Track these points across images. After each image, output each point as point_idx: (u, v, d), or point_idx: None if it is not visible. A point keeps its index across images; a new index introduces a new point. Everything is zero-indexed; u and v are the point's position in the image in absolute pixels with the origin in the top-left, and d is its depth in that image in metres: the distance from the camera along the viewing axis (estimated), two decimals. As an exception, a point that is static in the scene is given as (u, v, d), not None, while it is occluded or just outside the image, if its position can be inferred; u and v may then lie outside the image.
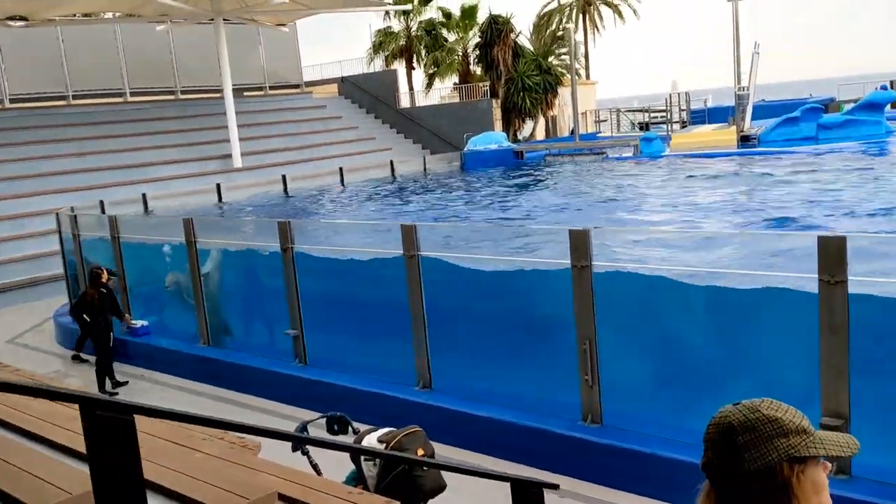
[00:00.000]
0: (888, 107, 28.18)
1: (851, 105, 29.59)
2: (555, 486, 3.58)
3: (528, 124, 44.34)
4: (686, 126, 37.59)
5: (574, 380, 7.54)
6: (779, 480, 1.61)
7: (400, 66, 47.89)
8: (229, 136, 30.54)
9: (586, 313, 7.34)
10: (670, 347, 7.86)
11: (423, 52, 47.64)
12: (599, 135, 40.10)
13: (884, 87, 31.49)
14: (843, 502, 5.64)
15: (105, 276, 11.35)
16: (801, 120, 27.68)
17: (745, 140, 27.95)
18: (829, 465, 1.68)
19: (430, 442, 5.12)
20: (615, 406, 7.45)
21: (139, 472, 2.24)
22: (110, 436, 2.18)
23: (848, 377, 5.87)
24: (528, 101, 41.73)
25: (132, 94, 33.94)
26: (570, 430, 7.37)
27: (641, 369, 7.86)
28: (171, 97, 35.37)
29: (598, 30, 57.46)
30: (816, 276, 5.92)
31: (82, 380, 11.58)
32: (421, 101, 45.50)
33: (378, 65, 48.24)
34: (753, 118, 29.83)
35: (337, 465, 5.17)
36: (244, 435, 5.05)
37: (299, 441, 4.74)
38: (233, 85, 31.45)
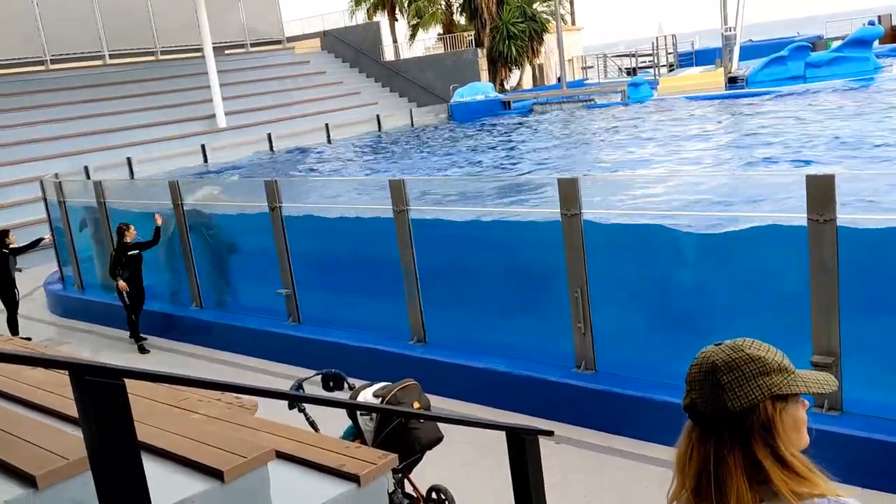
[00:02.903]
0: (876, 42, 27.97)
1: (839, 42, 29.32)
2: (549, 433, 3.61)
3: (515, 73, 43.92)
4: (673, 69, 37.27)
5: (567, 328, 7.57)
6: (762, 418, 1.62)
7: (382, 18, 47.24)
8: (212, 95, 30.16)
9: (577, 262, 7.35)
10: (661, 292, 7.89)
11: (406, 3, 46.93)
12: (587, 81, 39.76)
13: (871, 23, 31.19)
14: (834, 437, 5.72)
15: (132, 231, 10.88)
16: (789, 59, 27.48)
17: (732, 81, 27.75)
18: (808, 402, 1.69)
19: (426, 395, 5.16)
20: (608, 353, 7.50)
21: (132, 436, 2.23)
22: (101, 401, 2.18)
23: (838, 315, 5.91)
24: (513, 49, 41.29)
25: (111, 56, 33.40)
26: (565, 378, 7.43)
27: (633, 315, 7.90)
28: (152, 58, 34.84)
29: (582, -26, 56.62)
30: (805, 215, 5.92)
31: (79, 346, 11.59)
32: (405, 53, 44.96)
33: (360, 17, 47.58)
34: (741, 59, 29.56)
35: (334, 422, 5.22)
36: (241, 395, 5.10)
37: (295, 399, 4.76)
38: (213, 43, 30.97)
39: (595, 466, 6.61)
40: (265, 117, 31.78)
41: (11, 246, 11.72)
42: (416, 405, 4.82)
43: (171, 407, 4.61)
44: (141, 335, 11.19)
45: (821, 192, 5.81)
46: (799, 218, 6.08)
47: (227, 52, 36.92)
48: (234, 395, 5.06)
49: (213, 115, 30.28)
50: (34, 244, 12.57)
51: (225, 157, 25.03)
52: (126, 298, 10.91)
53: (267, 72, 36.53)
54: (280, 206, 9.92)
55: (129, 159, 21.37)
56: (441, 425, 4.98)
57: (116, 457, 2.21)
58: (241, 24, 38.61)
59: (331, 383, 5.27)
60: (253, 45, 39.32)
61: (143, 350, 11.02)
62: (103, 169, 19.56)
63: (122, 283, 10.76)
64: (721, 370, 1.65)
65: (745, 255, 7.39)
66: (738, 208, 8.87)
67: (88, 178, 16.58)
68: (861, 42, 26.65)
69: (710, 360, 1.68)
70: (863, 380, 6.17)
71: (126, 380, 2.27)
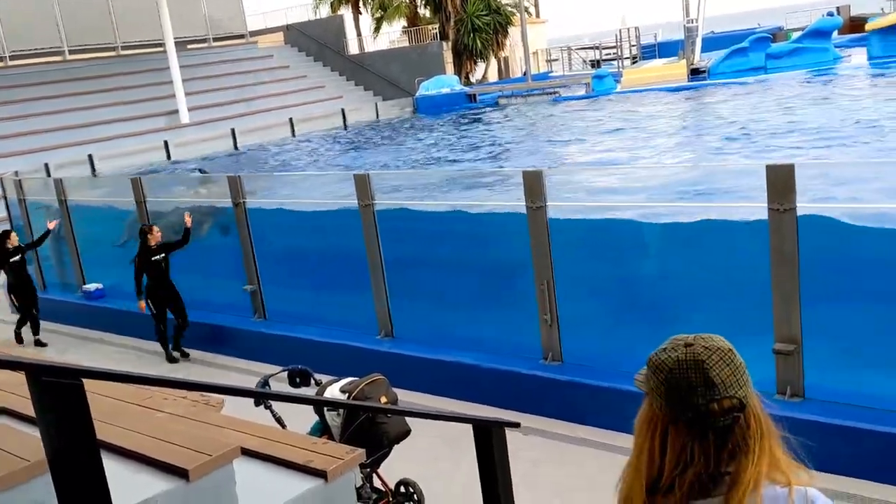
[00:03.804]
0: (835, 33, 28.39)
1: (799, 33, 29.73)
2: (516, 425, 3.63)
3: (480, 66, 43.92)
4: (637, 61, 37.55)
5: (534, 320, 7.61)
6: (752, 410, 1.64)
7: (346, 11, 46.91)
8: (174, 91, 29.80)
9: (543, 254, 7.39)
10: (626, 283, 7.96)
11: (370, -4, 46.73)
12: (551, 74, 39.91)
13: (830, 14, 31.64)
14: (797, 423, 5.80)
15: (155, 233, 9.82)
16: (750, 50, 27.79)
17: (695, 73, 28.02)
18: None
19: (394, 389, 5.16)
20: (575, 344, 7.55)
21: (92, 437, 2.20)
22: (59, 401, 2.14)
23: (799, 303, 6.00)
24: (478, 42, 41.27)
25: (71, 52, 32.85)
26: (532, 370, 7.47)
27: (599, 306, 7.96)
28: (112, 53, 34.33)
29: (545, -33, 56.74)
30: (766, 205, 6.00)
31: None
32: (370, 46, 44.76)
33: (324, 11, 47.23)
34: (703, 50, 29.86)
35: (301, 417, 5.19)
36: (206, 393, 5.05)
37: (261, 396, 4.73)
38: (175, 38, 30.58)
39: (562, 457, 6.66)
40: (229, 112, 31.47)
41: (13, 245, 11.11)
42: (384, 400, 4.82)
43: (135, 406, 4.56)
44: (182, 350, 10.16)
45: (781, 181, 5.89)
46: (759, 207, 6.16)
47: (189, 46, 36.51)
48: (200, 392, 5.02)
49: (176, 111, 29.94)
50: (43, 238, 11.92)
51: (188, 153, 24.75)
52: (152, 308, 9.89)
53: (230, 66, 36.19)
54: (244, 202, 9.84)
55: (90, 156, 21.04)
56: (409, 419, 4.99)
57: (76, 458, 2.18)
58: (203, 18, 38.18)
59: (297, 379, 5.25)
60: (215, 39, 38.92)
61: (174, 360, 10.06)
62: (64, 166, 19.23)
63: (141, 305, 9.87)
64: (710, 367, 1.63)
65: (707, 245, 7.48)
66: (702, 198, 8.98)
67: (49, 175, 16.30)
68: (820, 33, 27.03)
69: (686, 352, 1.65)
70: (823, 366, 6.28)
71: (87, 380, 2.24)
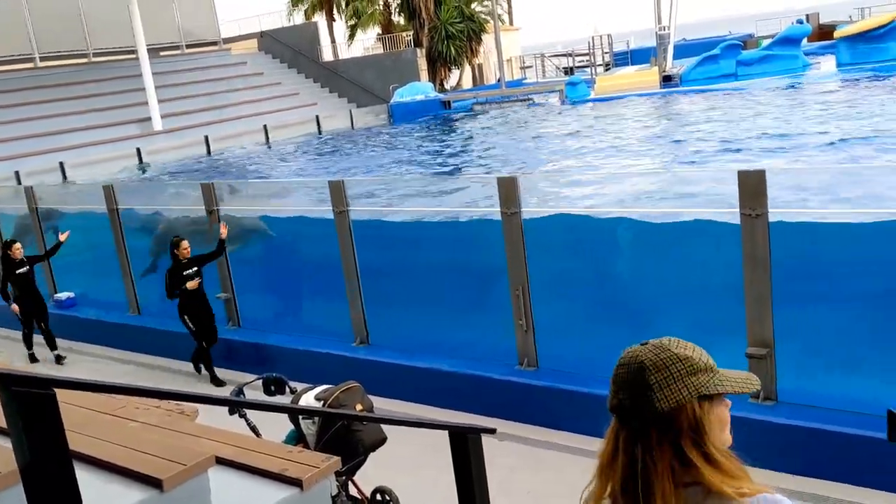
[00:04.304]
0: (804, 40, 28.80)
1: (769, 40, 30.12)
2: (492, 431, 3.63)
3: (455, 73, 44.06)
4: (610, 68, 37.84)
5: (510, 326, 7.63)
6: (690, 418, 1.61)
7: (320, 18, 46.88)
8: (147, 98, 29.58)
9: (518, 260, 7.41)
10: (601, 287, 8.01)
11: (344, 3, 46.67)
12: (525, 81, 40.11)
13: (800, 21, 32.10)
14: (770, 426, 5.88)
15: (185, 246, 9.03)
16: (721, 57, 28.13)
17: (667, 80, 28.32)
18: (730, 402, 1.69)
19: (369, 396, 5.14)
20: (551, 349, 7.57)
21: (64, 447, 2.18)
22: (30, 411, 2.11)
23: (771, 307, 6.06)
24: (452, 49, 41.41)
25: (42, 58, 32.51)
26: (508, 375, 7.48)
27: (574, 311, 8.00)
28: (84, 60, 34.01)
29: (519, -26, 57.02)
30: (738, 210, 6.06)
31: (10, 356, 11.24)
32: (344, 53, 44.76)
33: (298, 18, 47.15)
34: (675, 57, 30.17)
35: (276, 426, 5.16)
36: (181, 402, 5.00)
37: (235, 405, 4.69)
38: (147, 45, 30.37)
39: (539, 463, 6.67)
40: (202, 119, 31.30)
41: (18, 257, 10.37)
42: (359, 407, 4.80)
43: (107, 416, 4.50)
44: (213, 373, 9.29)
45: (752, 186, 5.95)
46: (731, 212, 6.23)
47: (161, 53, 36.28)
48: (174, 401, 4.97)
49: (149, 118, 29.72)
50: (54, 250, 10.91)
51: (161, 160, 24.56)
52: (191, 325, 9.21)
53: (203, 73, 36.00)
54: (217, 210, 9.78)
55: (61, 163, 20.84)
56: (385, 426, 4.97)
57: (48, 468, 2.15)
58: (175, 25, 37.96)
59: (272, 387, 5.22)
60: (188, 46, 38.70)
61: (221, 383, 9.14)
62: (35, 174, 19.03)
63: (188, 323, 9.17)
64: (649, 370, 1.63)
65: (682, 250, 7.54)
66: (675, 203, 9.06)
67: (19, 183, 16.10)
68: (790, 40, 27.43)
69: (637, 360, 1.65)
70: (796, 370, 6.35)
71: (59, 389, 2.21)
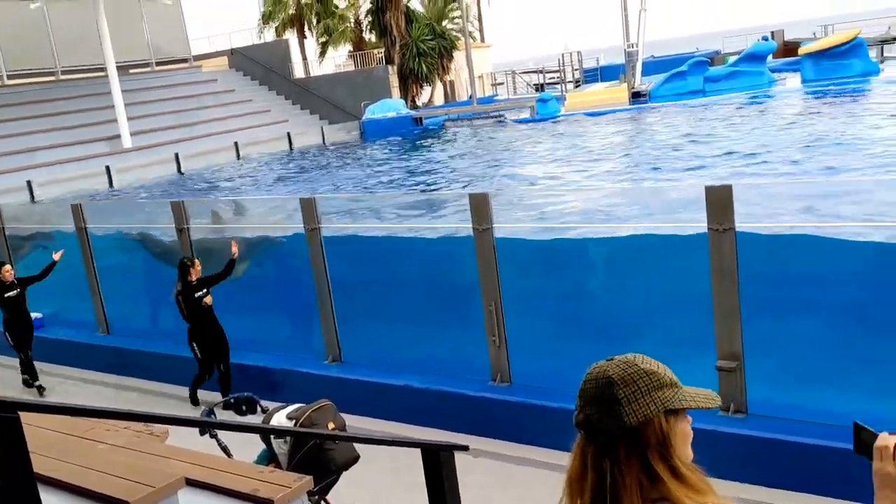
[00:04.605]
0: (770, 57, 29.29)
1: (735, 57, 30.59)
2: (464, 448, 3.63)
3: (426, 90, 44.23)
4: (580, 85, 38.22)
5: (483, 342, 7.63)
6: (657, 433, 1.63)
7: (292, 36, 46.91)
8: (116, 116, 29.36)
9: (490, 276, 7.43)
10: (574, 303, 8.05)
11: (315, 21, 46.73)
12: (497, 98, 40.37)
13: (765, 39, 32.66)
14: (740, 439, 5.93)
15: (197, 267, 8.66)
16: (689, 74, 28.52)
17: (636, 96, 28.65)
18: (691, 418, 1.71)
19: (342, 414, 5.12)
20: (524, 364, 7.58)
21: (29, 471, 2.15)
22: (-6, 437, 2.09)
23: (740, 321, 6.13)
24: (424, 66, 41.58)
25: (10, 76, 32.17)
26: (481, 391, 7.48)
27: (547, 326, 8.03)
28: (52, 78, 33.70)
29: (489, -8, 57.39)
30: (706, 225, 6.14)
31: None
32: (315, 70, 44.77)
33: (269, 35, 47.12)
34: (644, 74, 30.56)
35: (248, 445, 5.11)
36: (150, 423, 4.95)
37: (206, 426, 4.65)
38: (116, 62, 30.17)
39: (513, 478, 6.66)
40: (172, 137, 31.12)
41: (8, 280, 9.84)
42: (331, 426, 4.78)
43: (76, 438, 4.44)
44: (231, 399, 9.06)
45: (720, 202, 6.03)
46: (699, 227, 6.30)
47: (131, 71, 36.07)
48: (144, 423, 4.91)
49: (118, 136, 29.48)
50: (47, 271, 10.21)
51: (131, 178, 24.37)
52: (199, 354, 8.77)
53: (173, 90, 35.81)
54: (188, 228, 9.71)
55: (28, 182, 20.58)
56: (357, 445, 4.95)
57: (13, 493, 2.13)
58: (145, 43, 37.76)
59: (243, 407, 5.18)
60: (158, 63, 38.51)
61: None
62: (3, 193, 18.78)
63: (195, 351, 8.73)
64: (618, 384, 1.65)
65: (653, 265, 7.61)
66: (646, 219, 9.15)
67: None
68: (756, 57, 27.88)
69: (606, 375, 1.67)
70: (765, 382, 6.42)
71: (25, 413, 2.19)
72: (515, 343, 7.58)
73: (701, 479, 1.66)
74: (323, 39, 46.34)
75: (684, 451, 1.68)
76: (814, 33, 35.04)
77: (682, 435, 1.68)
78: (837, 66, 25.47)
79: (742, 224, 6.12)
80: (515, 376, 7.55)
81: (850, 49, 25.69)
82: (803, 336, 6.68)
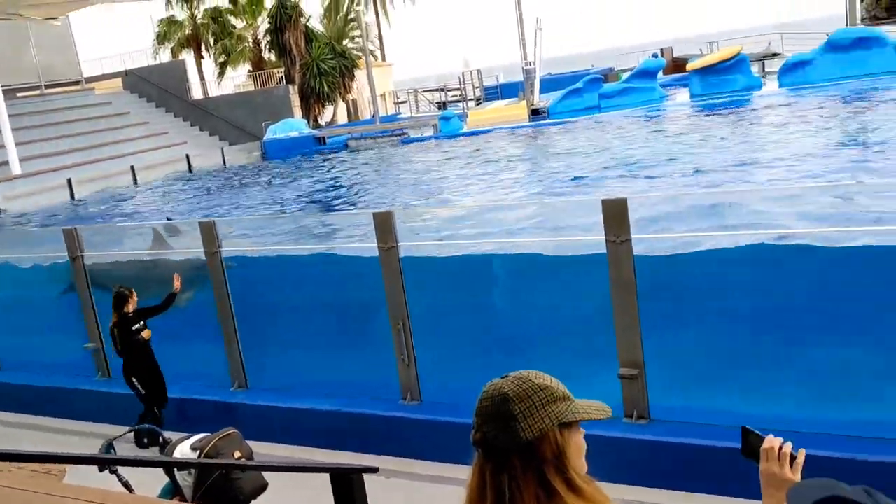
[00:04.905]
0: (660, 73, 30.40)
1: (628, 74, 31.63)
2: (374, 470, 3.60)
3: (329, 109, 44.05)
4: (481, 102, 38.76)
5: (392, 361, 7.61)
6: (553, 446, 1.66)
7: (188, 56, 46.02)
8: (3, 141, 28.06)
9: (396, 294, 7.42)
10: (482, 319, 8.13)
11: (212, 41, 45.96)
12: (399, 116, 40.53)
13: (655, 56, 33.92)
14: (644, 444, 6.10)
15: (134, 298, 8.11)
16: (584, 90, 29.32)
17: (535, 113, 29.26)
18: (584, 430, 1.75)
19: (248, 442, 5.00)
20: (434, 382, 7.60)
21: None
22: None
23: (639, 330, 6.31)
24: (325, 85, 41.42)
25: None
26: (391, 411, 7.45)
27: (456, 342, 8.08)
28: (-69, 102, 31.98)
29: (387, 13, 57.75)
30: (604, 237, 6.30)
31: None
32: (214, 91, 44.00)
33: (165, 56, 46.07)
34: (542, 91, 31.24)
35: (151, 480, 4.94)
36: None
37: (105, 462, 4.47)
38: (3, 86, 28.88)
39: (426, 497, 6.65)
40: (65, 162, 29.96)
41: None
42: (238, 454, 4.65)
43: (-39, 483, 4.20)
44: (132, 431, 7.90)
45: (616, 214, 6.21)
46: (597, 240, 6.47)
47: (19, 94, 34.57)
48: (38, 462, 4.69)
49: (6, 162, 28.16)
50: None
51: (20, 206, 23.31)
52: (140, 388, 8.15)
53: (65, 114, 34.53)
54: (82, 256, 9.35)
55: None
56: (266, 472, 4.84)
57: None
58: (33, 65, 36.30)
59: (145, 439, 5.02)
60: (48, 86, 37.11)
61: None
62: None
63: (136, 387, 8.10)
64: (513, 400, 1.67)
65: (556, 278, 7.77)
66: (547, 234, 9.34)
67: None
68: (647, 73, 28.90)
69: (501, 392, 1.70)
70: (666, 388, 6.62)
71: None
72: (425, 361, 7.59)
73: (597, 490, 1.70)
74: (221, 59, 45.61)
75: (579, 463, 1.71)
76: (700, 50, 36.50)
77: (577, 447, 1.71)
78: (723, 81, 26.66)
79: (637, 236, 6.31)
80: (426, 394, 7.56)
81: (734, 65, 26.94)
82: (699, 343, 6.93)
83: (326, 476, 3.84)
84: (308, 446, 7.58)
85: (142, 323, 8.13)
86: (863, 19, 33.10)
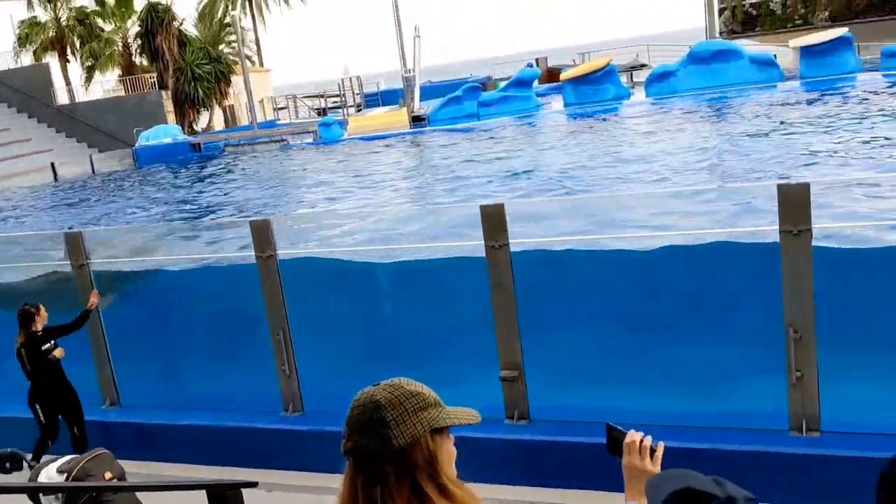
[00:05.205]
0: (536, 82, 31.14)
1: (505, 83, 32.24)
2: (252, 484, 3.53)
3: (204, 115, 42.90)
4: (361, 109, 38.64)
5: (274, 372, 7.48)
6: (425, 452, 1.68)
7: (53, 59, 43.73)
8: None
9: (276, 303, 7.30)
10: (365, 327, 8.10)
11: (78, 44, 43.90)
12: (278, 122, 39.87)
13: (530, 65, 34.71)
14: (526, 444, 6.23)
15: (42, 314, 7.36)
16: (464, 98, 29.69)
17: (416, 120, 29.41)
18: (453, 436, 1.77)
19: (120, 462, 4.80)
20: (316, 392, 7.51)
21: None
22: None
23: (518, 332, 6.45)
24: (200, 91, 40.33)
25: None
26: (273, 423, 7.32)
27: (338, 351, 8.01)
28: None
29: (264, 18, 56.75)
30: (483, 242, 6.41)
31: None
32: (82, 96, 42.07)
33: (27, 59, 43.63)
34: (423, 98, 31.44)
35: (14, 507, 4.67)
36: None
37: (-40, 490, 4.20)
38: None
39: (310, 509, 6.57)
40: (-86, 171, 27.94)
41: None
42: (109, 475, 4.46)
43: None
44: None
45: (494, 220, 6.33)
46: (478, 245, 6.57)
47: None
48: None
49: None
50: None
51: None
52: (42, 417, 7.38)
53: (-88, 120, 32.21)
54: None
55: None
56: (140, 493, 4.66)
57: None
58: None
59: (7, 464, 4.71)
60: None
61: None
62: None
63: (38, 414, 7.35)
64: (385, 408, 1.68)
65: (440, 285, 7.83)
66: (431, 239, 9.40)
67: None
68: (523, 82, 29.55)
69: (373, 400, 1.70)
70: (546, 389, 6.78)
71: None
72: (308, 371, 7.49)
73: (468, 494, 1.71)
74: (89, 63, 43.61)
75: (450, 469, 1.73)
76: (573, 60, 37.65)
77: (448, 453, 1.73)
78: (594, 90, 27.57)
79: (515, 240, 6.45)
80: (310, 404, 7.46)
81: (604, 75, 27.91)
82: (576, 343, 7.14)
83: (203, 493, 3.74)
84: (187, 463, 7.34)
85: (52, 342, 7.38)
86: (721, 33, 35.04)
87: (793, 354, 5.56)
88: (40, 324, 7.35)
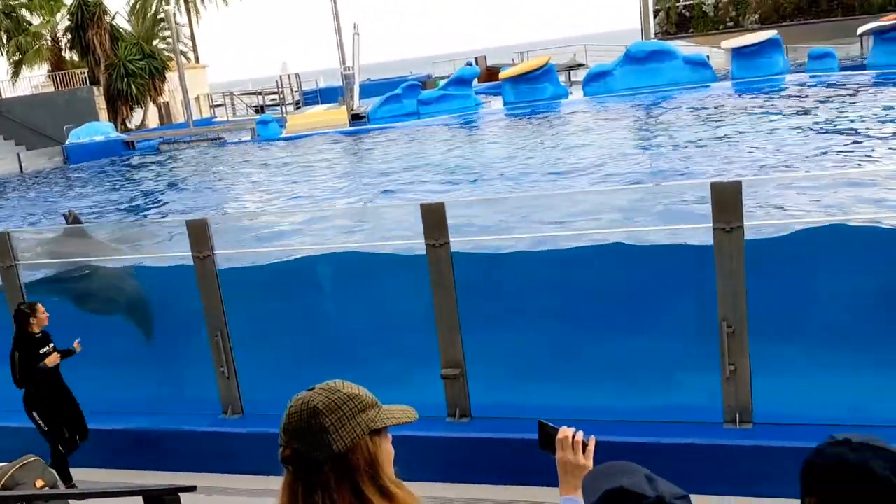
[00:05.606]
0: (475, 81, 31.25)
1: (445, 81, 32.28)
2: (191, 489, 3.48)
3: (138, 112, 41.95)
4: (300, 107, 38.25)
5: (212, 374, 7.37)
6: (365, 455, 1.66)
7: (-24, 54, 42.26)
8: None
9: (214, 305, 7.19)
10: (306, 327, 8.04)
11: (5, 38, 42.46)
12: (215, 119, 39.23)
13: (469, 64, 34.83)
14: (468, 442, 6.26)
15: (40, 316, 6.83)
16: (404, 97, 29.63)
17: (356, 118, 29.25)
18: (391, 436, 1.77)
19: (52, 469, 4.69)
20: (256, 393, 7.42)
21: None
22: None
23: (459, 330, 6.47)
24: (133, 87, 39.44)
25: None
26: (211, 426, 7.22)
27: (278, 352, 7.93)
28: None
29: (199, 14, 55.69)
30: (424, 241, 6.42)
31: None
32: (8, 92, 40.72)
33: (-54, 53, 42.08)
34: (363, 96, 31.28)
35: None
36: None
37: None
38: None
39: (251, 512, 6.50)
40: None
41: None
42: (40, 483, 4.35)
43: None
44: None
45: (434, 218, 6.34)
46: (419, 244, 6.58)
47: None
48: None
49: None
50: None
51: None
52: (41, 423, 6.87)
53: None
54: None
55: None
56: (73, 500, 4.55)
57: None
58: None
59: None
60: None
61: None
62: None
63: (38, 422, 6.86)
64: (323, 413, 1.65)
65: (382, 283, 7.82)
66: (371, 238, 9.38)
67: None
68: (462, 81, 29.63)
69: (310, 405, 1.67)
70: (487, 386, 6.83)
71: None
72: (248, 372, 7.40)
73: (408, 494, 1.71)
74: (16, 58, 42.22)
75: (389, 469, 1.72)
76: (512, 59, 37.86)
77: (387, 453, 1.72)
78: (533, 89, 27.80)
79: (455, 238, 6.47)
80: (248, 406, 7.37)
81: (543, 74, 28.16)
82: (517, 341, 7.20)
83: (140, 500, 3.67)
84: (124, 469, 7.18)
85: (51, 346, 6.90)
86: (656, 34, 35.70)
87: (726, 349, 5.71)
88: (37, 326, 6.86)
